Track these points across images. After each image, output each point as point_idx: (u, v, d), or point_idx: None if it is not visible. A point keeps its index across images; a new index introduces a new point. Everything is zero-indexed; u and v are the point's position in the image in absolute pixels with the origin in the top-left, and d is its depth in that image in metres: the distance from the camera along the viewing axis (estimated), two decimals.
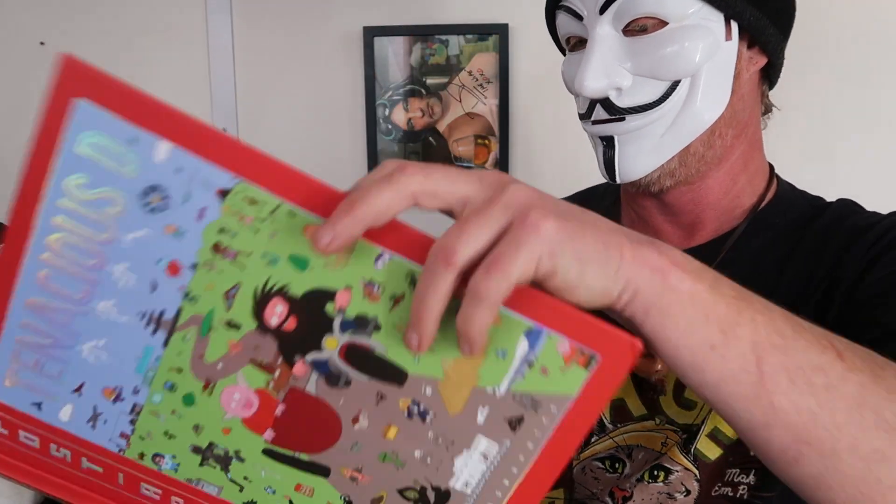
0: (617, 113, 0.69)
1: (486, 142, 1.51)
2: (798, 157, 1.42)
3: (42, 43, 1.51)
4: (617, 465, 0.73)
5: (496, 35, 1.47)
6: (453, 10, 1.48)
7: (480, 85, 1.49)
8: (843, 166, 1.47)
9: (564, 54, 0.78)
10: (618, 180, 0.71)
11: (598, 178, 0.82)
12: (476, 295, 0.33)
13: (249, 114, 1.55)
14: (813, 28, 1.37)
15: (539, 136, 1.52)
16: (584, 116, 0.73)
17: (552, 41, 0.79)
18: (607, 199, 0.86)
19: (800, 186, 0.78)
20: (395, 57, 1.49)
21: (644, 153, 0.70)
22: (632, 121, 0.69)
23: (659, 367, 0.70)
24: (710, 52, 0.67)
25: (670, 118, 0.68)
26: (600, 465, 0.74)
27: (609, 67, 0.68)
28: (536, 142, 1.52)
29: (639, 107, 0.69)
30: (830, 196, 0.76)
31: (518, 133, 1.51)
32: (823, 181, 1.45)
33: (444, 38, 1.48)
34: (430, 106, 1.51)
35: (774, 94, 0.77)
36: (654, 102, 0.68)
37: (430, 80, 1.50)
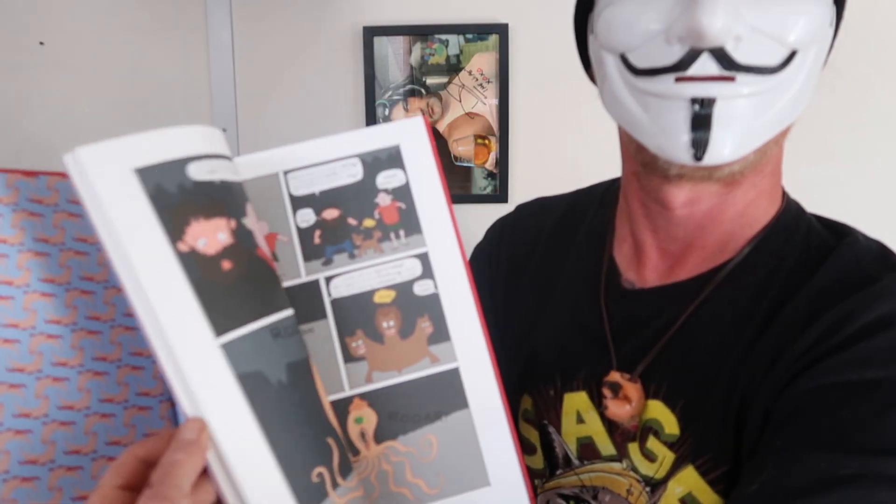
0: (731, 68, 0.53)
1: (486, 142, 1.51)
2: (796, 158, 1.42)
3: (42, 43, 1.51)
4: None
5: (496, 35, 1.47)
6: (453, 9, 1.48)
7: (480, 85, 1.49)
8: (840, 166, 1.47)
9: (584, 34, 0.66)
10: (704, 161, 0.54)
11: (597, 178, 0.81)
12: None
13: (249, 114, 1.54)
14: None
15: (539, 136, 1.51)
16: (671, 69, 0.55)
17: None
18: (602, 213, 0.76)
19: (798, 187, 0.70)
20: (394, 57, 1.49)
21: (745, 130, 0.54)
22: (744, 83, 0.54)
23: (630, 413, 0.63)
24: (825, 31, 0.56)
25: (783, 93, 0.55)
26: (563, 502, 0.70)
27: (734, 7, 0.52)
28: (536, 142, 1.52)
29: (758, 67, 0.54)
30: (829, 200, 0.73)
31: (518, 133, 1.51)
32: (822, 181, 1.45)
33: (443, 37, 1.48)
34: (430, 106, 1.51)
35: None
36: (774, 67, 0.54)
37: (429, 80, 1.50)
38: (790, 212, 0.65)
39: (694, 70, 0.54)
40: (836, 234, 0.63)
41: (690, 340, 0.63)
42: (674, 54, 0.54)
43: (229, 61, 1.52)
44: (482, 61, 1.48)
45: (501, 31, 1.46)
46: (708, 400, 0.60)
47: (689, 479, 0.61)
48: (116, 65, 1.51)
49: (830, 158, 1.47)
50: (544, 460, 0.72)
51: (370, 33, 1.48)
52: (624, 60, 0.58)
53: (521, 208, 0.87)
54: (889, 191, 1.48)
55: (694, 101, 0.54)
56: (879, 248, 0.61)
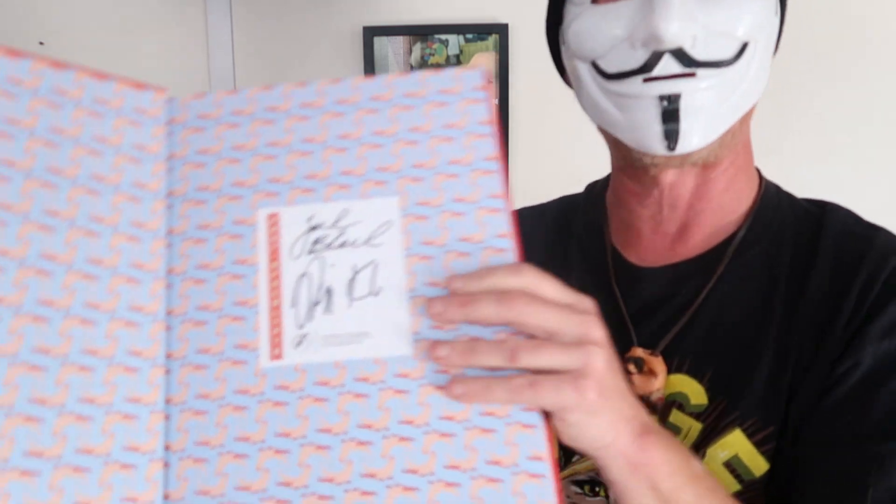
0: (691, 65, 0.60)
1: None
2: (795, 157, 1.42)
3: (42, 43, 1.51)
4: (598, 489, 0.68)
5: (496, 35, 1.47)
6: (453, 9, 1.48)
7: None
8: (839, 166, 1.47)
9: (556, 45, 0.70)
10: (677, 150, 0.61)
11: (596, 177, 0.81)
12: (505, 386, 0.44)
13: None
14: (807, 27, 1.37)
15: (539, 136, 1.52)
16: (638, 72, 0.61)
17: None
18: (593, 212, 0.79)
19: (799, 187, 0.72)
20: (395, 57, 1.49)
21: (710, 118, 0.61)
22: (704, 77, 0.60)
23: (657, 386, 0.66)
24: (770, 21, 0.62)
25: (740, 82, 0.61)
26: (578, 489, 0.70)
27: (688, 10, 0.59)
28: (536, 142, 1.52)
29: (715, 61, 0.60)
30: (824, 196, 0.74)
31: (518, 133, 1.51)
32: (822, 181, 1.46)
33: (443, 37, 1.48)
34: None
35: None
36: (729, 59, 0.60)
37: None
38: (770, 187, 0.71)
39: (658, 70, 0.60)
40: (814, 203, 0.69)
41: (715, 314, 0.66)
42: (639, 58, 0.60)
43: (229, 62, 1.52)
44: (482, 61, 1.48)
45: (501, 31, 1.46)
46: (747, 367, 0.63)
47: (735, 443, 0.63)
48: (116, 64, 1.51)
49: (830, 158, 1.47)
50: (560, 449, 0.73)
51: (370, 33, 1.48)
52: (595, 66, 0.64)
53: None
54: (889, 191, 1.48)
55: (661, 97, 0.60)
56: (849, 211, 0.67)
